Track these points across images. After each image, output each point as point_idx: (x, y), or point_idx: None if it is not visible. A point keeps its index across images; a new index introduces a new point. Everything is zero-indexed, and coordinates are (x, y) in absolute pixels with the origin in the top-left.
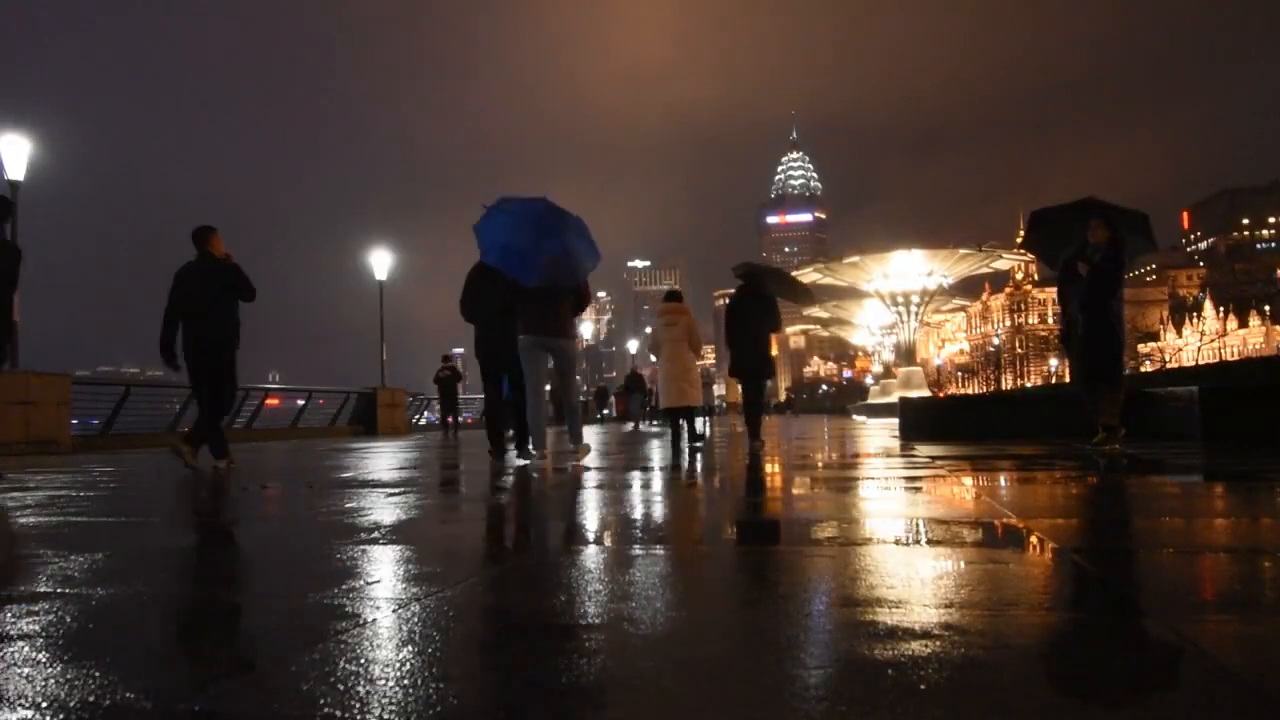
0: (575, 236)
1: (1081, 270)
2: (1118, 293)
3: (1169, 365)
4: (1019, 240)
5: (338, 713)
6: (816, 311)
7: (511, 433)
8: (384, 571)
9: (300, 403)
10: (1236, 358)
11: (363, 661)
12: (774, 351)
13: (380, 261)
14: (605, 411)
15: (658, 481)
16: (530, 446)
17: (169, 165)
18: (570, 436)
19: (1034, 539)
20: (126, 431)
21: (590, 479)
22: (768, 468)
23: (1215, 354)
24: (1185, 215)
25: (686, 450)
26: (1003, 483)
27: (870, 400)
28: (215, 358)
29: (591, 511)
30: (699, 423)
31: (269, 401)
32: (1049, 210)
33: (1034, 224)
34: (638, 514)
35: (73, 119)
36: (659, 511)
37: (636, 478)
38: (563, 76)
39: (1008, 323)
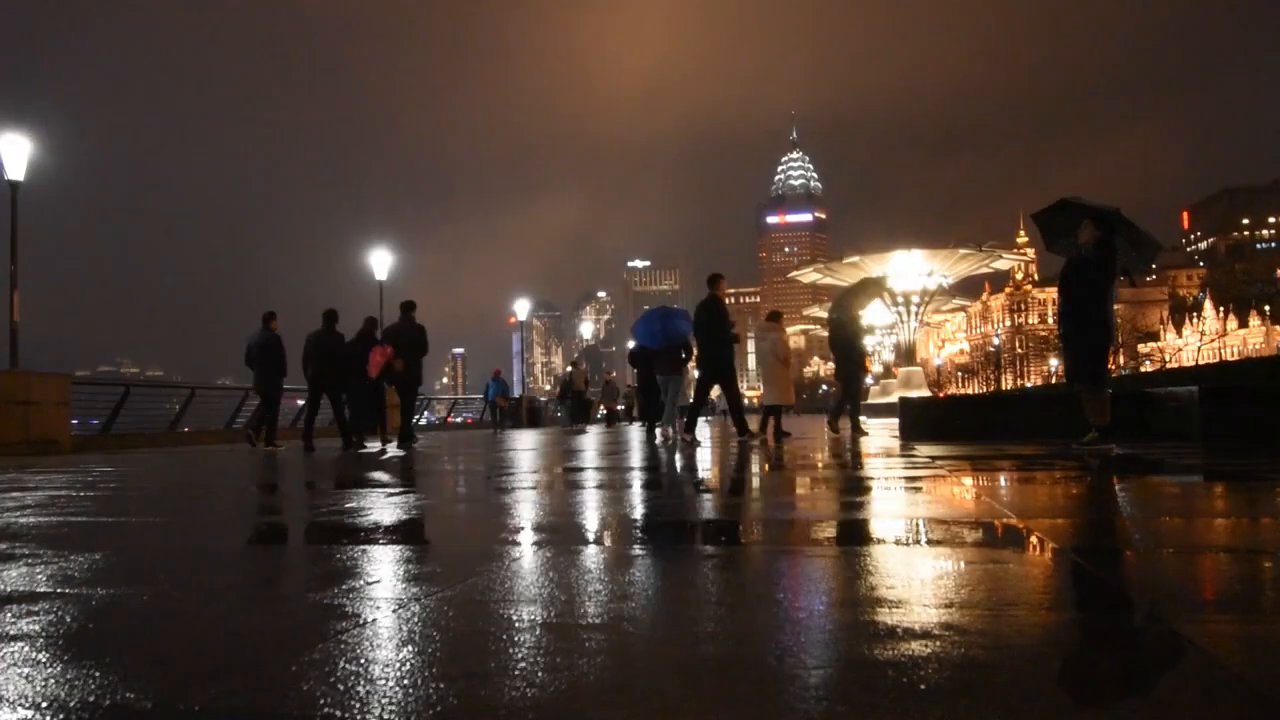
0: (677, 320)
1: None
2: (1107, 292)
3: (1169, 365)
4: (1019, 240)
5: (338, 713)
6: (816, 311)
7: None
8: (384, 571)
9: (300, 403)
10: (1236, 358)
11: (363, 661)
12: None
13: (380, 261)
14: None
15: (677, 475)
16: (665, 429)
17: (170, 165)
18: (686, 428)
19: (1034, 539)
20: (126, 431)
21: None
22: (769, 468)
23: (1215, 354)
24: (1185, 215)
25: (771, 439)
26: (1002, 483)
27: (870, 400)
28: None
29: (633, 503)
30: (685, 421)
31: None
32: (1052, 210)
33: (1040, 225)
34: (649, 508)
35: (74, 118)
36: (661, 508)
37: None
38: (562, 77)
39: (1008, 323)
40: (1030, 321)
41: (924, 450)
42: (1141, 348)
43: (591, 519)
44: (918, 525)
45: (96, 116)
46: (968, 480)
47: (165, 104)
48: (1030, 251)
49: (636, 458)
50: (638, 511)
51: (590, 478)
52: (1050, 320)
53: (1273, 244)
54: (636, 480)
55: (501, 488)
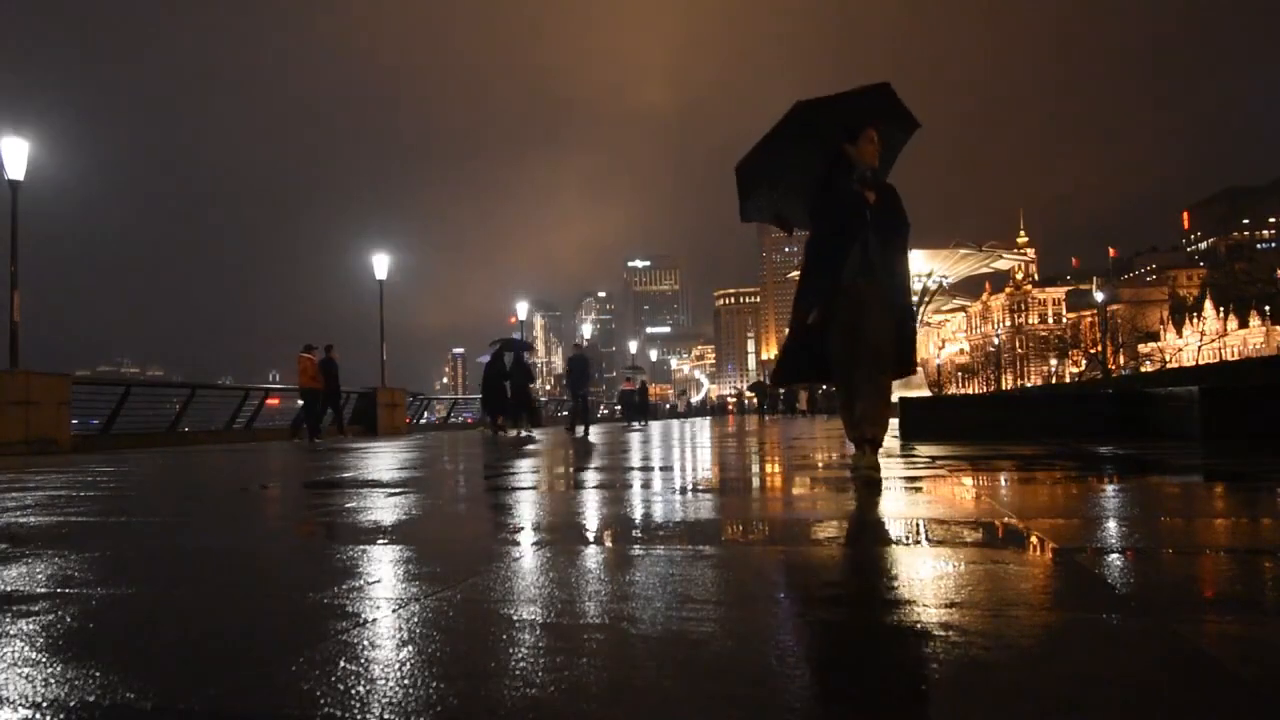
0: None
1: (871, 200)
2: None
3: (1169, 365)
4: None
5: (338, 713)
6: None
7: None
8: (384, 571)
9: (300, 403)
10: (1236, 358)
11: (363, 661)
12: None
13: (380, 262)
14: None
15: (678, 482)
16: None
17: (171, 163)
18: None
19: (1034, 539)
20: (126, 431)
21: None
22: (769, 468)
23: (1215, 354)
24: (1185, 215)
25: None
26: (1003, 483)
27: None
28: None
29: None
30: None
31: (269, 401)
32: (764, 147)
33: (745, 173)
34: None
35: (74, 117)
36: (661, 511)
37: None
38: (562, 74)
39: (1008, 323)
40: (1030, 321)
41: (924, 450)
42: (1141, 348)
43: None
44: (918, 525)
45: (97, 115)
46: (968, 480)
47: (164, 101)
48: (1030, 251)
49: None
50: None
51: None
52: (1051, 320)
53: (1273, 244)
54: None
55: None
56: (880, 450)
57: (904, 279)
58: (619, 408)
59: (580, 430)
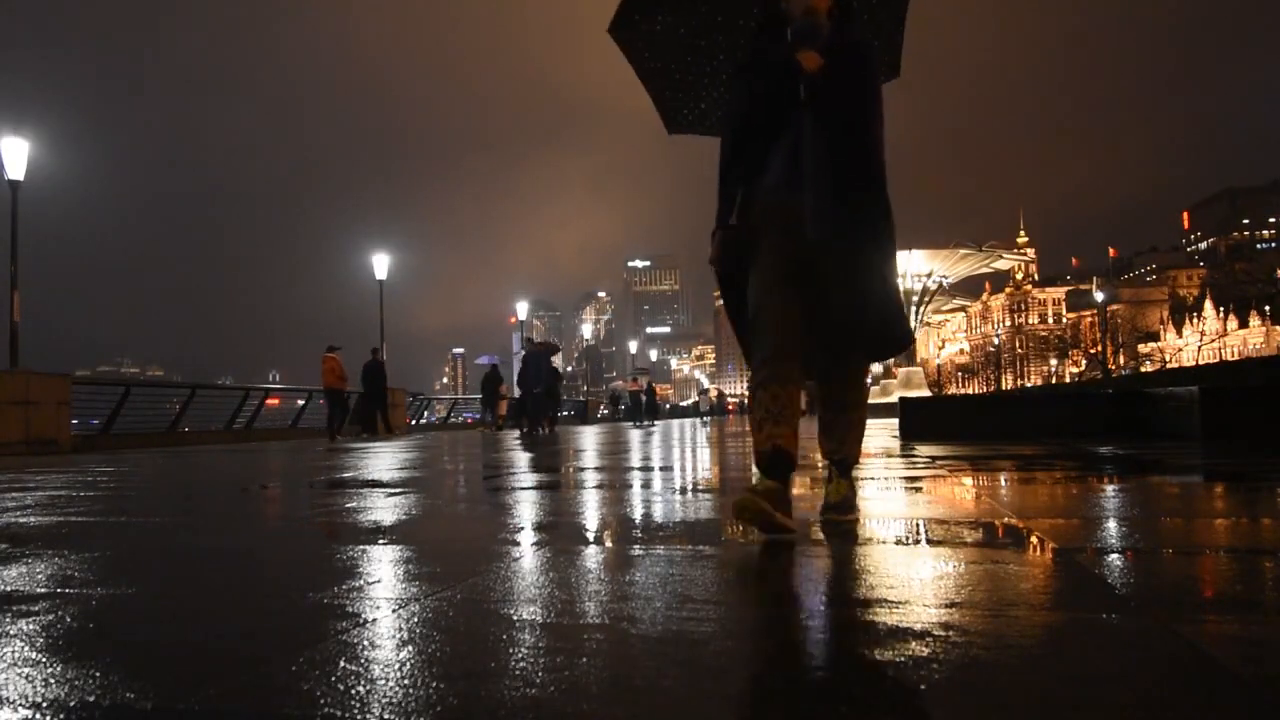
0: None
1: (812, 65)
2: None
3: (1169, 365)
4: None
5: (338, 713)
6: None
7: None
8: (384, 571)
9: (300, 403)
10: (1236, 358)
11: (363, 661)
12: None
13: (380, 262)
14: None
15: (662, 482)
16: None
17: (170, 163)
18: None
19: (1034, 539)
20: (126, 431)
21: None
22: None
23: (1215, 354)
24: (1185, 215)
25: None
26: (1003, 483)
27: (870, 400)
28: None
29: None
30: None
31: (269, 401)
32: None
33: (634, 44)
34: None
35: (74, 117)
36: (659, 509)
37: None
38: (563, 74)
39: (1008, 323)
40: (1030, 321)
41: (924, 450)
42: (1141, 348)
43: None
44: (918, 525)
45: (97, 115)
46: (968, 480)
47: (165, 101)
48: (1030, 251)
49: None
50: None
51: None
52: (1051, 320)
53: (1273, 244)
54: None
55: None
56: (856, 469)
57: (870, 190)
58: (619, 408)
59: (525, 428)
